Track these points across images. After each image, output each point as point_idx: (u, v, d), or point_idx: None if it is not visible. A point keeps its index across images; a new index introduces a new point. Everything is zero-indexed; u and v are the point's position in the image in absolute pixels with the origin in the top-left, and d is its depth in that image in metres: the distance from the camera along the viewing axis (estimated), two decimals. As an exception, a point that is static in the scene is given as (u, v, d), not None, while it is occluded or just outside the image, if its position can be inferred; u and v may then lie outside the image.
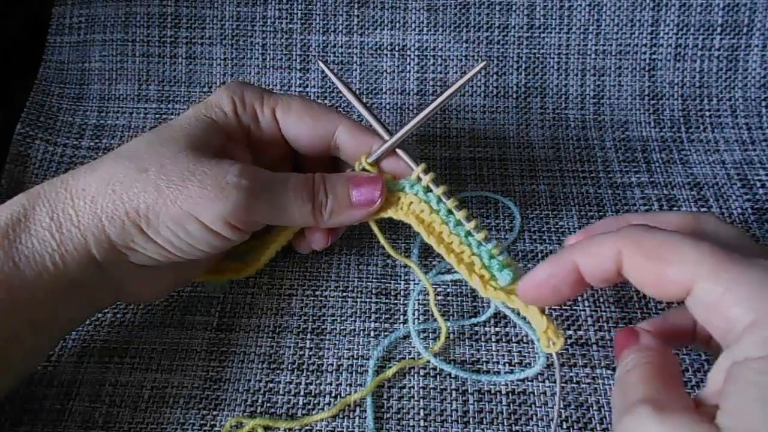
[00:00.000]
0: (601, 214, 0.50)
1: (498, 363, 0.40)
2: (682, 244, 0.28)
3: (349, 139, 0.40)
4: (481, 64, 0.37)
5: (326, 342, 0.42)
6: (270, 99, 0.40)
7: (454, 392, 0.39)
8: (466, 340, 0.42)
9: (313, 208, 0.37)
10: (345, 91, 0.41)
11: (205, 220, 0.34)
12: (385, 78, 0.58)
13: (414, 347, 0.42)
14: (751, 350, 0.24)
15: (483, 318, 0.42)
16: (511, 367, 0.40)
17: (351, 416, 0.38)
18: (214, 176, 0.34)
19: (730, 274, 0.26)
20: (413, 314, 0.43)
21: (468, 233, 0.37)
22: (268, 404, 0.39)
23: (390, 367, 0.40)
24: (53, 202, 0.34)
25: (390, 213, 0.39)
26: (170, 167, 0.34)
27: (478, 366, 0.40)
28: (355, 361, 0.41)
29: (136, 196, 0.34)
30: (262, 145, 0.41)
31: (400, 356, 0.41)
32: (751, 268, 0.26)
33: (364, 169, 0.40)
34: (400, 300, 0.44)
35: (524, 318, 0.38)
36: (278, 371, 0.41)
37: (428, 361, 0.41)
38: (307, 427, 0.38)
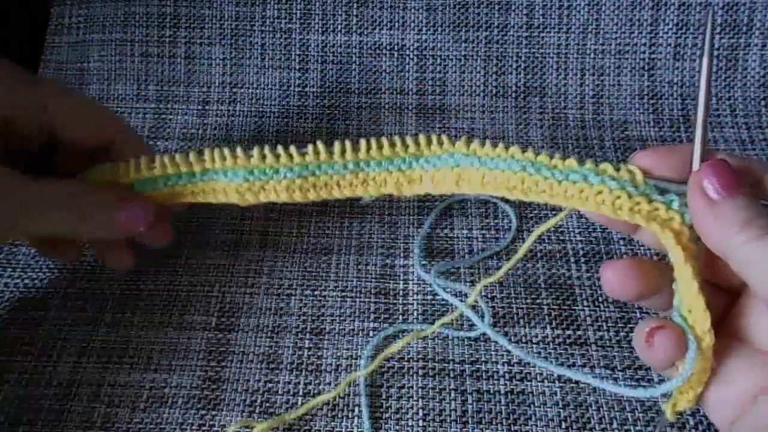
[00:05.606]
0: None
1: (497, 363, 0.40)
2: None
3: (124, 146, 0.39)
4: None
5: (325, 342, 0.42)
6: (36, 88, 0.38)
7: (453, 392, 0.39)
8: (466, 339, 0.42)
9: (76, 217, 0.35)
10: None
11: None
12: (384, 78, 0.58)
13: (418, 327, 0.41)
14: None
15: (482, 318, 0.42)
16: (510, 367, 0.40)
17: (350, 416, 0.38)
18: None
19: None
20: (415, 309, 0.43)
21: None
22: (267, 404, 0.39)
23: (396, 343, 0.38)
24: None
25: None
26: None
27: (478, 365, 0.40)
28: (354, 361, 0.41)
29: None
30: (17, 131, 0.38)
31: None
32: None
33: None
34: (399, 300, 0.44)
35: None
36: (277, 371, 0.41)
37: (436, 331, 0.40)
38: (305, 427, 0.38)
